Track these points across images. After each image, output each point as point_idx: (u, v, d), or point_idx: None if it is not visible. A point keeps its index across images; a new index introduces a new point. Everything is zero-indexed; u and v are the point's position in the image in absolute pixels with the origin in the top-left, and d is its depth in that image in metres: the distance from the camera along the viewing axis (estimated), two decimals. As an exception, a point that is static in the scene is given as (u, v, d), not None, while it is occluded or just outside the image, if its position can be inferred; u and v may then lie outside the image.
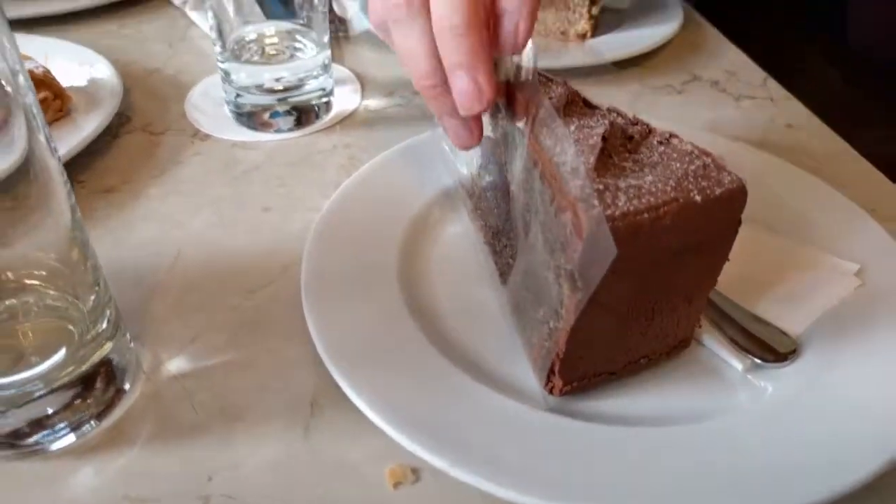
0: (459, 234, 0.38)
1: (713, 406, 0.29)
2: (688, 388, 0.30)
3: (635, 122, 0.29)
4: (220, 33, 0.45)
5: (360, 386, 0.28)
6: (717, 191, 0.25)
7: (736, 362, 0.31)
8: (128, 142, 0.46)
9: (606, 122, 0.28)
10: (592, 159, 0.25)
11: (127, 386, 0.30)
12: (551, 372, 0.28)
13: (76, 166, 0.42)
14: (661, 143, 0.28)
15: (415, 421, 0.26)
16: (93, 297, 0.28)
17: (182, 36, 0.60)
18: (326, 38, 0.46)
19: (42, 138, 0.26)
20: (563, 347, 0.26)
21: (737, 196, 0.25)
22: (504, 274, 0.34)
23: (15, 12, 0.61)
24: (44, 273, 0.29)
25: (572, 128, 0.28)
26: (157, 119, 0.48)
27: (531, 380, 0.30)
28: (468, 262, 0.36)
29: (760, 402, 0.29)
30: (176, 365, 0.31)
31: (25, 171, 0.27)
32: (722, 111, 0.50)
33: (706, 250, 0.27)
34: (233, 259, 0.37)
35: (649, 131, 0.28)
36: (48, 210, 0.28)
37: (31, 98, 0.25)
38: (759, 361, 0.30)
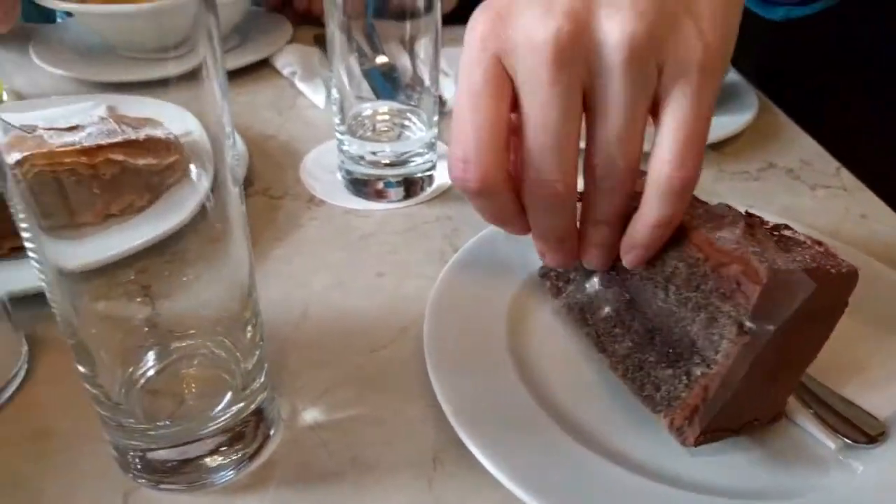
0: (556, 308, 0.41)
1: (804, 484, 0.32)
2: (779, 462, 0.33)
3: (749, 215, 0.32)
4: (342, 109, 0.51)
5: (483, 444, 0.31)
6: (843, 269, 0.28)
7: (828, 441, 0.33)
8: (252, 204, 0.51)
9: (726, 208, 0.32)
10: (739, 231, 0.29)
11: (272, 432, 0.34)
12: (686, 422, 0.31)
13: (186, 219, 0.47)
14: (777, 231, 0.31)
15: (533, 478, 0.30)
16: (257, 352, 0.32)
17: (291, 104, 0.66)
18: (435, 119, 0.51)
19: (235, 193, 0.30)
20: (711, 394, 0.29)
21: (852, 278, 0.28)
22: (603, 342, 0.37)
23: (136, 76, 0.68)
24: (216, 324, 0.33)
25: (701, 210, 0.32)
26: (275, 184, 0.53)
27: (627, 442, 0.33)
28: (567, 333, 0.39)
29: (852, 482, 0.31)
30: (311, 415, 0.35)
31: (215, 225, 0.32)
32: (797, 199, 0.53)
33: (824, 323, 0.30)
34: (353, 319, 0.41)
35: (762, 221, 0.32)
36: (230, 261, 0.33)
37: (230, 156, 0.29)
38: (850, 442, 0.33)
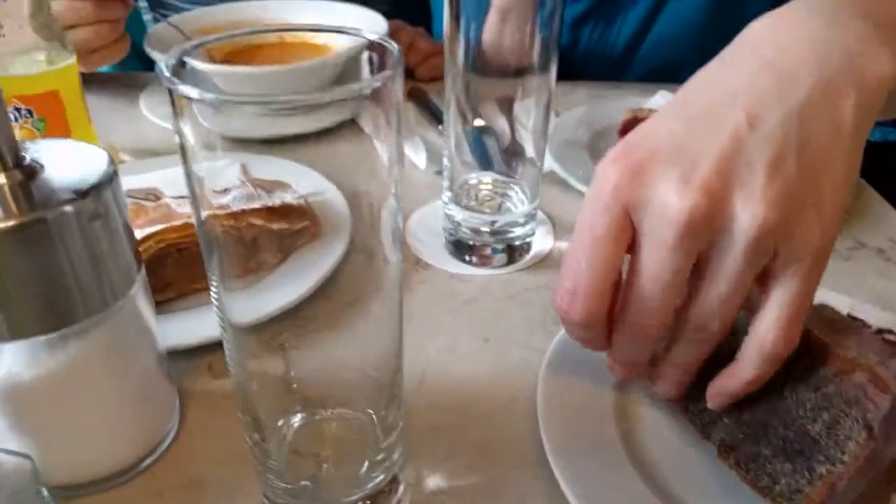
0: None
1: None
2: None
3: (854, 318, 0.34)
4: (452, 180, 0.54)
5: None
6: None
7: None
8: (359, 264, 0.54)
9: (832, 310, 0.34)
10: (853, 336, 0.32)
11: (403, 497, 0.37)
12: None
13: (325, 283, 0.51)
14: (881, 334, 0.33)
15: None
16: (400, 424, 0.35)
17: (384, 163, 0.70)
18: (536, 192, 0.54)
19: (396, 256, 0.33)
20: (838, 492, 0.31)
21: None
22: (708, 430, 0.39)
23: (261, 131, 0.73)
24: (357, 392, 0.37)
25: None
26: (365, 238, 0.57)
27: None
28: (674, 419, 0.41)
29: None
30: (434, 481, 0.38)
31: (381, 283, 0.35)
32: (889, 281, 0.54)
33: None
34: (466, 386, 0.44)
35: (865, 324, 0.34)
36: (371, 329, 0.36)
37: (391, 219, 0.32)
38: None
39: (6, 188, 0.29)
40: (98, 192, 0.30)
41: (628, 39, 0.89)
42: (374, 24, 0.82)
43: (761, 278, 0.31)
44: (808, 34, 0.32)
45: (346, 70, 0.75)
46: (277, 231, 0.51)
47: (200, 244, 0.31)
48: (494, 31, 0.84)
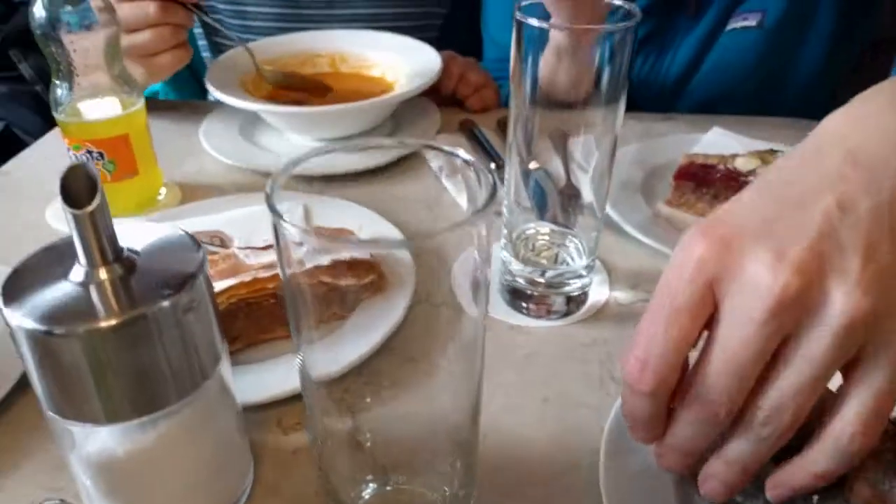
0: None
1: None
2: None
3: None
4: (510, 228, 0.55)
5: None
6: None
7: None
8: (416, 313, 0.55)
9: None
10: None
11: (468, 564, 0.38)
12: None
13: (391, 338, 0.52)
14: None
15: None
16: (466, 491, 0.36)
17: (438, 201, 0.71)
18: (594, 245, 0.55)
19: (477, 311, 0.34)
20: None
21: None
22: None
23: (318, 168, 0.74)
24: (429, 451, 0.38)
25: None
26: (434, 290, 0.58)
27: None
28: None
29: None
30: (499, 549, 0.39)
31: (452, 338, 0.36)
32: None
33: None
34: (527, 447, 0.45)
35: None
36: (461, 376, 0.37)
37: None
38: None
39: (107, 283, 0.31)
40: (192, 283, 0.32)
41: (681, 70, 0.88)
42: (427, 57, 0.83)
43: (843, 369, 0.30)
44: (892, 124, 0.32)
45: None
46: (345, 287, 0.52)
47: (286, 301, 0.33)
48: (550, 67, 0.84)
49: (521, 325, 0.55)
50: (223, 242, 0.61)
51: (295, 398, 0.47)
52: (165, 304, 0.31)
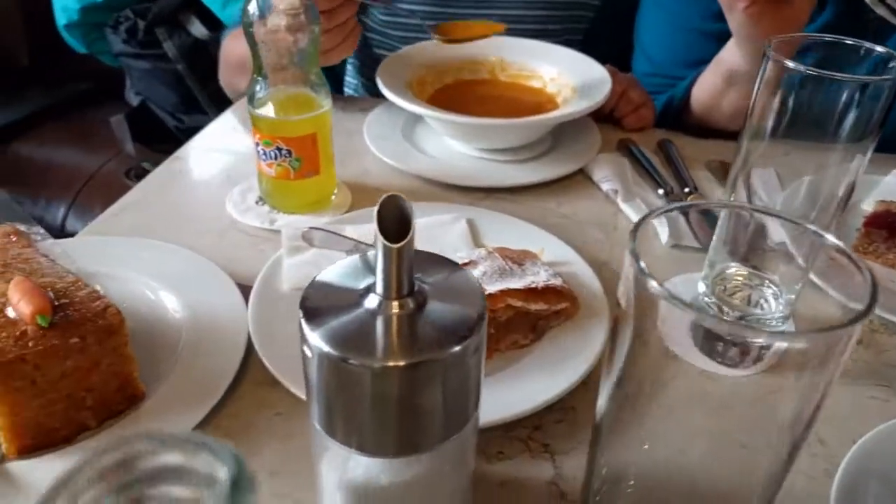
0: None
1: None
2: None
3: None
4: (712, 265, 0.53)
5: None
6: None
7: None
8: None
9: None
10: None
11: None
12: None
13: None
14: None
15: None
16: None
17: (615, 225, 0.69)
18: (795, 297, 0.53)
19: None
20: None
21: None
22: None
23: (477, 181, 0.74)
24: None
25: None
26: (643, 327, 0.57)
27: None
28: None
29: None
30: None
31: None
32: None
33: None
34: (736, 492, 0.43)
35: None
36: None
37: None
38: None
39: (401, 318, 0.31)
40: (479, 328, 0.32)
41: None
42: (595, 75, 0.81)
43: None
44: None
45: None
46: (534, 312, 0.52)
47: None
48: (714, 91, 0.82)
49: (710, 371, 0.53)
50: (406, 252, 0.61)
51: (495, 427, 0.46)
52: (456, 349, 0.31)
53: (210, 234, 0.66)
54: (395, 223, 0.31)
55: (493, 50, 0.88)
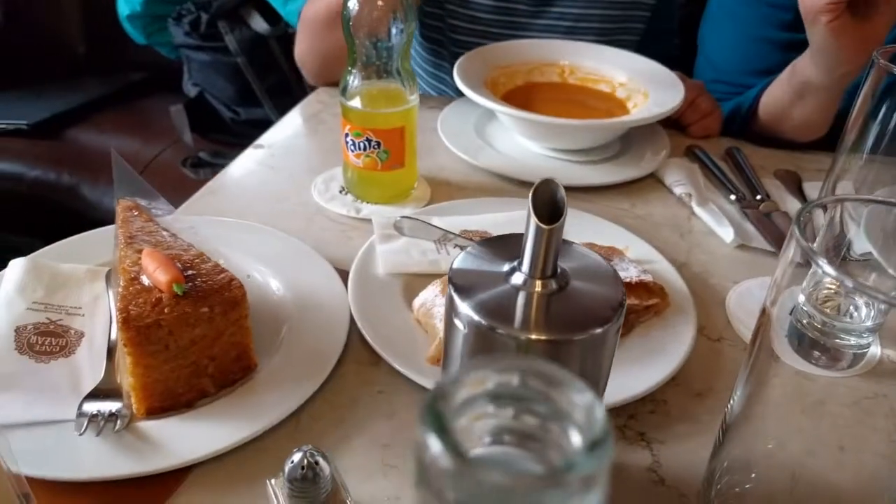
0: None
1: None
2: None
3: None
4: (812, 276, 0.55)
5: None
6: None
7: None
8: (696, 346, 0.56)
9: None
10: None
11: None
12: None
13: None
14: None
15: None
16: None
17: (689, 228, 0.71)
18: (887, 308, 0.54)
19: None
20: None
21: None
22: None
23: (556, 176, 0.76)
24: None
25: None
26: (708, 323, 0.58)
27: None
28: None
29: None
30: None
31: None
32: None
33: None
34: (832, 492, 0.45)
35: None
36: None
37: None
38: None
39: (546, 296, 0.33)
40: (621, 312, 0.33)
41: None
42: (668, 82, 0.83)
43: None
44: None
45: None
46: (628, 307, 0.53)
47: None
48: (784, 102, 0.83)
49: (805, 371, 0.54)
50: (492, 244, 0.63)
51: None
52: (598, 330, 0.32)
53: (298, 219, 0.68)
54: (547, 206, 0.32)
55: (564, 54, 0.90)
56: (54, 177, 1.48)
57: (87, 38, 1.89)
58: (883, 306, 0.54)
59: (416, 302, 0.54)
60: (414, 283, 0.58)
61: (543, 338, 0.32)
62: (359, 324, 0.53)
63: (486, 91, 0.80)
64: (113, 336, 0.50)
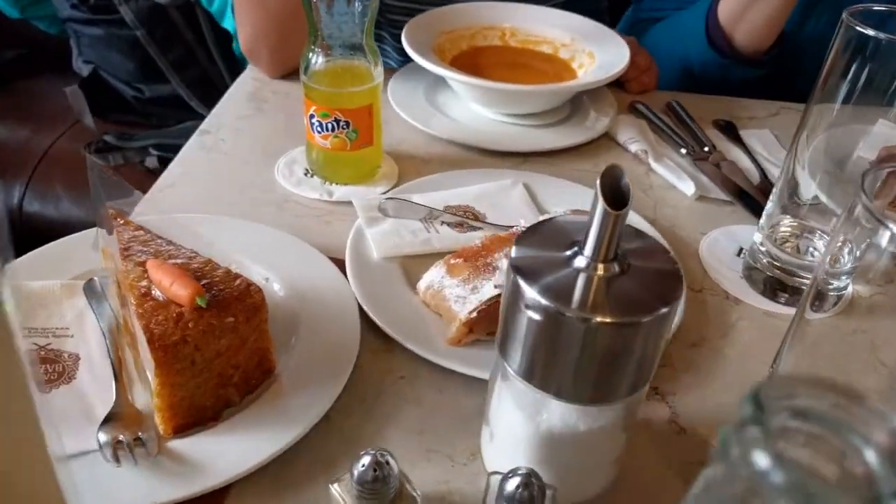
0: None
1: None
2: None
3: None
4: (768, 220, 0.59)
5: None
6: None
7: None
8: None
9: None
10: None
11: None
12: None
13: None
14: None
15: None
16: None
17: (650, 184, 0.74)
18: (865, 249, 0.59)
19: None
20: None
21: None
22: None
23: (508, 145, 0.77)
24: None
25: None
26: (689, 277, 0.62)
27: None
28: None
29: None
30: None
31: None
32: None
33: None
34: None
35: None
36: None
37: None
38: None
39: (609, 280, 0.34)
40: (678, 295, 0.35)
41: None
42: (611, 42, 0.85)
43: None
44: None
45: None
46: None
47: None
48: (735, 10, 0.87)
49: (776, 311, 0.59)
50: (476, 217, 0.64)
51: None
52: (661, 312, 0.34)
53: (269, 207, 0.66)
54: (612, 191, 0.33)
55: (504, 17, 0.90)
56: (-64, 174, 1.33)
57: (-57, 13, 1.68)
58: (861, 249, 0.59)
59: (422, 284, 0.54)
60: (409, 264, 0.58)
61: (610, 320, 0.33)
62: (368, 312, 0.52)
63: (435, 58, 0.79)
64: (112, 354, 0.46)
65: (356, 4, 0.61)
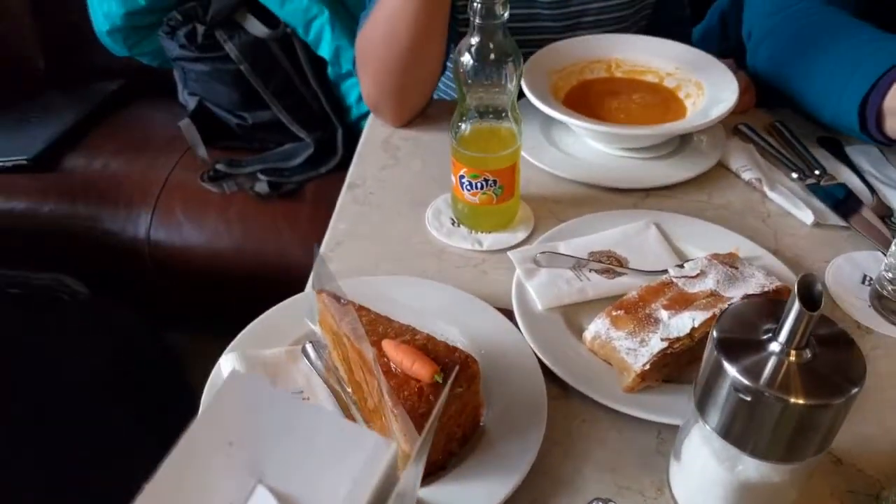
0: None
1: None
2: None
3: None
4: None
5: None
6: None
7: None
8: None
9: None
10: None
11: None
12: None
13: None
14: None
15: None
16: None
17: (767, 212, 0.80)
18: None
19: None
20: None
21: None
22: None
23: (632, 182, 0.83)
24: None
25: None
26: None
27: None
28: None
29: None
30: None
31: None
32: None
33: None
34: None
35: None
36: None
37: None
38: None
39: (801, 366, 0.42)
40: (861, 381, 0.42)
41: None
42: (708, 63, 0.90)
43: None
44: None
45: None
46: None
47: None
48: None
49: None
50: (620, 262, 0.71)
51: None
52: (849, 395, 0.41)
53: (429, 260, 0.74)
54: (807, 291, 0.40)
55: (610, 49, 0.95)
56: (68, 209, 1.46)
57: (45, 50, 1.80)
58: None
59: (588, 335, 0.62)
60: (568, 312, 0.66)
61: (804, 402, 0.41)
62: (546, 362, 0.60)
63: (553, 100, 0.86)
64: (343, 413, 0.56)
65: (506, 76, 0.67)
